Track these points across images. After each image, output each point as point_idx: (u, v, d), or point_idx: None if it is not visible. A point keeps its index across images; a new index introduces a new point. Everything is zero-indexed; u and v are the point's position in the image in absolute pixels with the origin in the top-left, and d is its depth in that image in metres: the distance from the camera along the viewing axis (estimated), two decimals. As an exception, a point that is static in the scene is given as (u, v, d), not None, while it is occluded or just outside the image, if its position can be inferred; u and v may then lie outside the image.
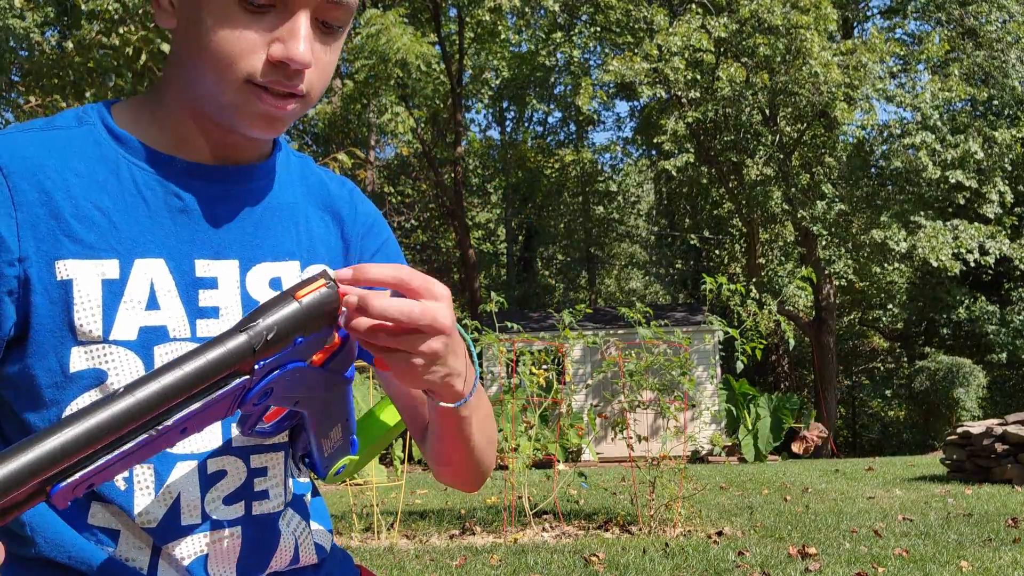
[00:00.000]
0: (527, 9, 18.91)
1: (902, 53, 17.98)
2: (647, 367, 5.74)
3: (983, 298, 20.60)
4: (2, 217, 0.87)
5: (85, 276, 0.91)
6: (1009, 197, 17.14)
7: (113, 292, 0.91)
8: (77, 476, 0.67)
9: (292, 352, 0.79)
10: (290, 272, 1.03)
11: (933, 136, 16.53)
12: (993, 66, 17.32)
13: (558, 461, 6.70)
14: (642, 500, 5.62)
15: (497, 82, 24.74)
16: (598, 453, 13.72)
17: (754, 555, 4.26)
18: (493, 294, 5.97)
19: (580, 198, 27.21)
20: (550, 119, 27.61)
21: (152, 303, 0.94)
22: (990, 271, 21.57)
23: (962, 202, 17.38)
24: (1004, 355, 19.50)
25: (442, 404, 0.94)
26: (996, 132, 16.79)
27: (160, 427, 0.72)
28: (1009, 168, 17.29)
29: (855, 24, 20.91)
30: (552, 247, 29.99)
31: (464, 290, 22.08)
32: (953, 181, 16.52)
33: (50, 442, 0.66)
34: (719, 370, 16.51)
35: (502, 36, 20.72)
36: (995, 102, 17.89)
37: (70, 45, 7.49)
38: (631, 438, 5.54)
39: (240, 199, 1.01)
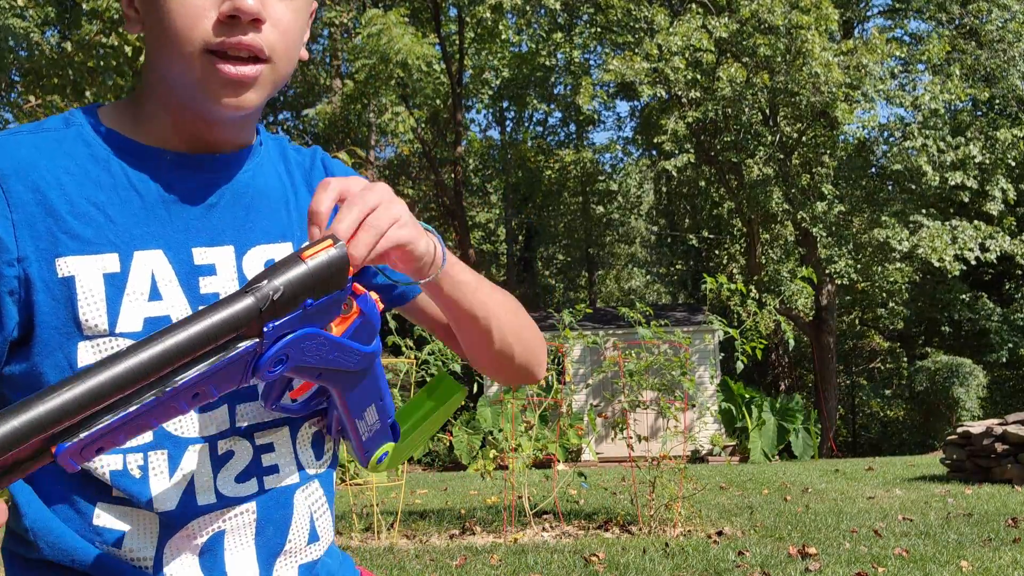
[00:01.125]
0: (527, 8, 18.90)
1: (902, 54, 17.97)
2: (647, 367, 5.75)
3: (984, 297, 20.61)
4: None
5: (86, 271, 0.91)
6: (1012, 195, 17.13)
7: (115, 285, 0.92)
8: (84, 435, 0.67)
9: (303, 316, 0.78)
10: (284, 253, 1.04)
11: (933, 137, 16.52)
12: (994, 64, 17.31)
13: (558, 461, 6.70)
14: (642, 500, 5.62)
15: (497, 82, 24.74)
16: (598, 453, 13.72)
17: (754, 555, 4.26)
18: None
19: (580, 198, 27.20)
20: (550, 119, 27.61)
21: (154, 293, 0.95)
22: (991, 270, 21.57)
23: (965, 200, 17.38)
24: (1005, 354, 19.49)
25: (421, 282, 0.97)
26: (998, 132, 16.77)
27: (168, 389, 0.71)
28: (1013, 165, 17.27)
29: (856, 24, 20.90)
30: (552, 247, 29.99)
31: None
32: (954, 183, 16.52)
33: (54, 398, 0.65)
34: (718, 369, 16.51)
35: (502, 36, 20.72)
36: (997, 100, 17.89)
37: (69, 46, 7.49)
38: (631, 438, 5.54)
39: (229, 186, 1.03)
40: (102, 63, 7.17)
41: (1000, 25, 17.43)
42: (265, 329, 0.75)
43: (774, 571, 3.86)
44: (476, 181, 27.65)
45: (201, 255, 0.99)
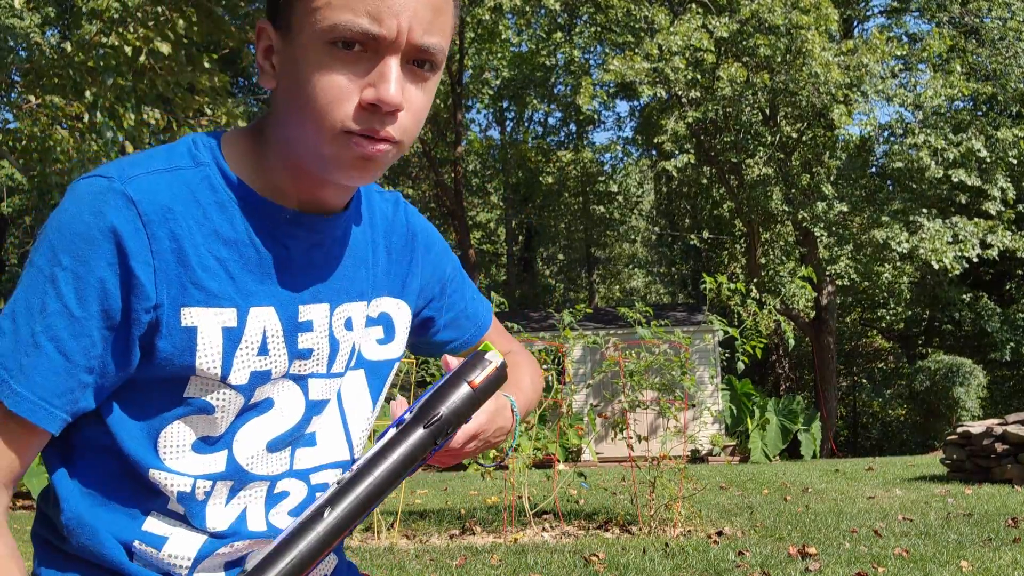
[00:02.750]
0: (527, 8, 18.90)
1: (903, 53, 17.97)
2: (647, 367, 5.74)
3: (985, 297, 20.60)
4: (142, 265, 0.93)
5: (207, 324, 0.97)
6: (1011, 194, 17.12)
7: (232, 339, 0.98)
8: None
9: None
10: (359, 311, 1.12)
11: (935, 135, 16.51)
12: (996, 62, 17.31)
13: (558, 461, 6.70)
14: (642, 500, 5.62)
15: (497, 82, 24.72)
16: (598, 453, 13.71)
17: (754, 555, 4.26)
18: (494, 295, 5.97)
19: (580, 198, 27.20)
20: (550, 119, 27.60)
21: (263, 349, 1.01)
22: (991, 270, 21.57)
23: (964, 201, 17.37)
24: (1007, 353, 19.49)
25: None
26: (998, 131, 16.77)
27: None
28: (1014, 163, 17.26)
29: (856, 23, 20.90)
30: (552, 247, 29.98)
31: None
32: (955, 180, 16.50)
33: (287, 562, 0.86)
34: (719, 370, 16.51)
35: (502, 36, 20.71)
36: (999, 98, 17.88)
37: (69, 46, 7.49)
38: (631, 438, 5.54)
39: (331, 246, 1.08)
40: (102, 63, 7.17)
41: (1001, 24, 17.43)
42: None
43: (774, 571, 3.86)
44: (476, 181, 27.64)
45: (304, 312, 1.05)
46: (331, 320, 1.07)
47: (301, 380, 1.05)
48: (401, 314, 1.18)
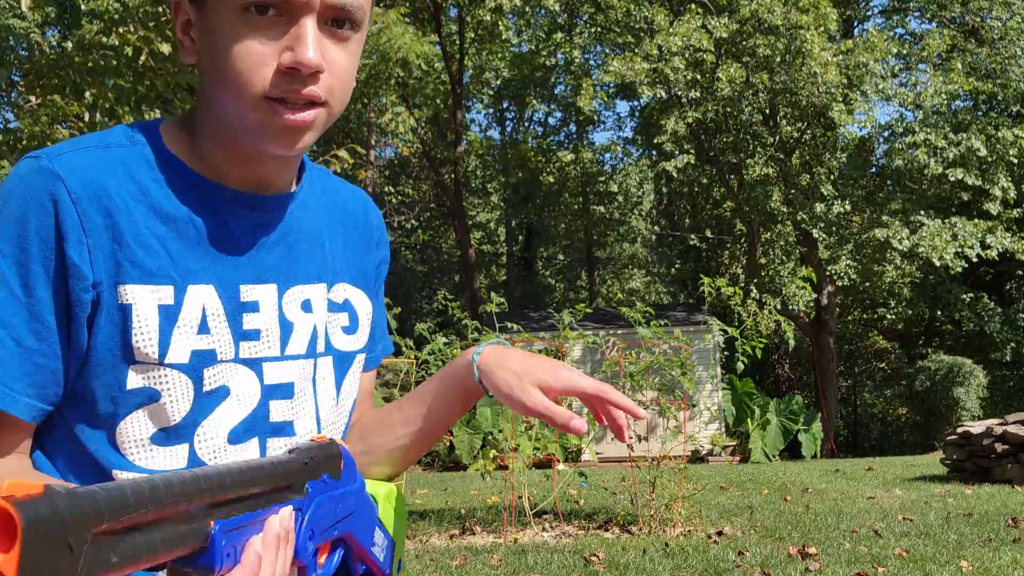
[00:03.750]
0: (527, 9, 18.90)
1: (903, 52, 17.97)
2: (647, 367, 5.74)
3: (985, 297, 20.60)
4: (75, 245, 0.91)
5: (144, 301, 0.94)
6: (1012, 193, 17.12)
7: (168, 317, 0.95)
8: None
9: (320, 485, 0.87)
10: (318, 294, 1.09)
11: (935, 134, 16.50)
12: (996, 62, 17.31)
13: (558, 461, 6.70)
14: (642, 500, 5.62)
15: (497, 82, 24.72)
16: (598, 453, 13.71)
17: (754, 555, 4.26)
18: (494, 295, 5.97)
19: (580, 198, 27.20)
20: (550, 119, 27.60)
21: (203, 327, 0.98)
22: (991, 270, 21.56)
23: (965, 199, 17.37)
24: (1007, 353, 19.48)
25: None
26: (999, 131, 16.76)
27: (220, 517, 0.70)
28: (1015, 162, 17.25)
29: (856, 23, 20.89)
30: (552, 247, 29.98)
31: (464, 290, 22.08)
32: (954, 179, 16.50)
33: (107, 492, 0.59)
34: (719, 370, 16.50)
35: (502, 36, 20.71)
36: (999, 97, 17.88)
37: (70, 46, 7.49)
38: (631, 438, 5.54)
39: (277, 226, 1.06)
40: (102, 63, 7.17)
41: (1001, 24, 17.43)
42: (307, 490, 0.84)
43: (774, 571, 3.86)
44: (476, 181, 27.64)
45: (247, 292, 1.02)
46: (281, 301, 1.05)
47: (255, 364, 1.02)
48: (363, 305, 1.16)
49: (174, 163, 0.98)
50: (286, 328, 1.05)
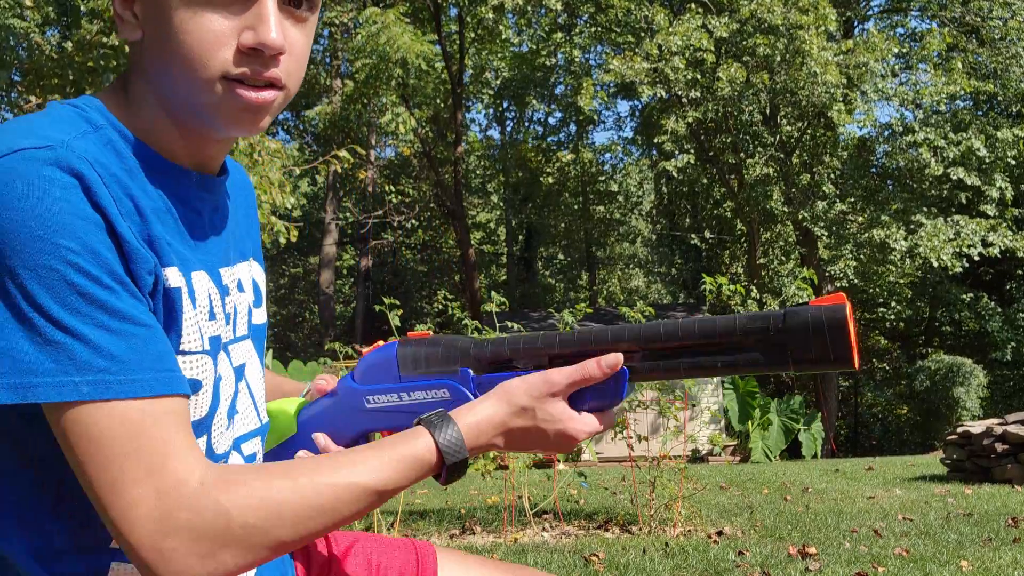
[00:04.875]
0: (528, 8, 18.89)
1: (903, 51, 17.96)
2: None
3: (985, 297, 20.59)
4: (124, 229, 0.84)
5: (183, 285, 0.91)
6: (1010, 194, 17.11)
7: (189, 302, 0.92)
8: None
9: None
10: (245, 272, 1.09)
11: (935, 134, 16.50)
12: (996, 62, 17.30)
13: (558, 461, 6.70)
14: (642, 500, 5.62)
15: (497, 82, 24.70)
16: (598, 453, 13.71)
17: (754, 555, 4.26)
18: (494, 294, 5.97)
19: (580, 198, 27.19)
20: (550, 119, 27.58)
21: (211, 314, 0.96)
22: (991, 270, 21.55)
23: (964, 201, 17.36)
24: (1008, 353, 19.46)
25: None
26: (998, 132, 16.76)
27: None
28: (1013, 163, 17.25)
29: (856, 23, 20.89)
30: (552, 247, 29.96)
31: (464, 290, 22.08)
32: (955, 178, 16.49)
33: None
34: (719, 369, 16.49)
35: (503, 36, 20.70)
36: (999, 97, 17.87)
37: (70, 46, 7.49)
38: (631, 438, 5.54)
39: (224, 207, 1.04)
40: (102, 63, 7.16)
41: (1001, 24, 17.42)
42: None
43: (774, 571, 3.86)
44: (476, 181, 27.63)
45: (225, 275, 1.01)
46: (240, 280, 1.05)
47: (226, 347, 1.00)
48: (262, 277, 1.14)
49: (139, 146, 0.92)
50: (237, 309, 1.04)
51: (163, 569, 0.79)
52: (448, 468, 0.93)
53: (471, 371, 1.03)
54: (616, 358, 0.98)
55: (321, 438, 1.07)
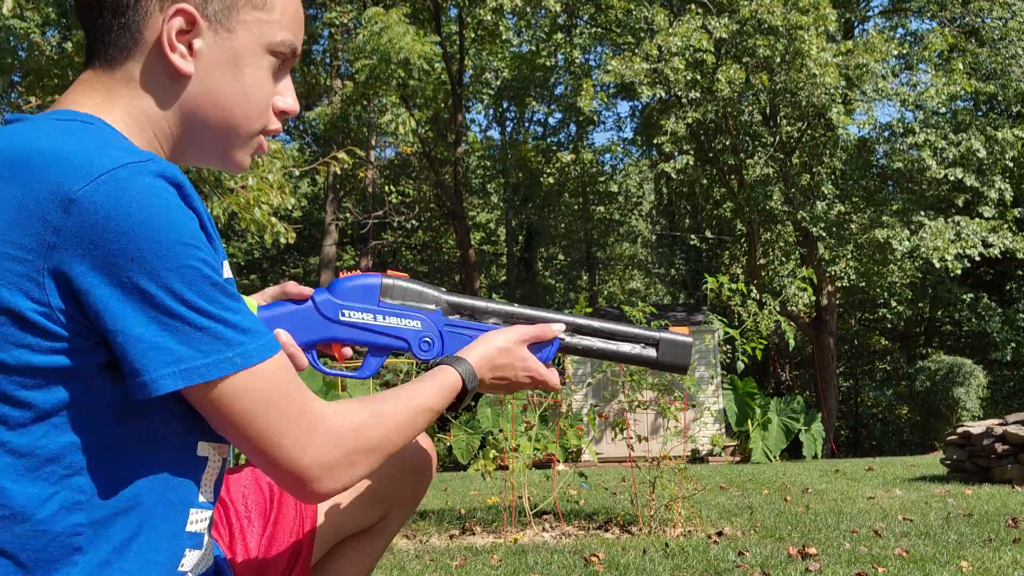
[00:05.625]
0: (528, 9, 18.89)
1: (903, 52, 17.95)
2: (647, 367, 5.73)
3: (986, 297, 20.58)
4: (210, 228, 0.97)
5: (230, 276, 1.05)
6: (1009, 195, 17.11)
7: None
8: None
9: None
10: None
11: (936, 134, 16.49)
12: (997, 62, 17.29)
13: (558, 461, 6.70)
14: (642, 500, 5.62)
15: (497, 83, 24.69)
16: (598, 453, 13.71)
17: (754, 555, 4.26)
18: (495, 296, 5.97)
19: (580, 199, 27.18)
20: (550, 120, 27.57)
21: None
22: (992, 271, 21.54)
23: (961, 204, 17.36)
24: (1008, 353, 19.46)
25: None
26: (998, 132, 16.75)
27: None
28: (1011, 165, 17.24)
29: (856, 24, 20.88)
30: (552, 247, 29.96)
31: (464, 290, 22.06)
32: (954, 179, 16.48)
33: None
34: (719, 369, 16.50)
35: (503, 36, 20.68)
36: (999, 97, 17.87)
37: (70, 46, 7.50)
38: (631, 438, 5.54)
39: None
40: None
41: (1002, 24, 17.41)
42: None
43: (774, 571, 3.86)
44: (476, 182, 27.62)
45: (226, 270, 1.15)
46: None
47: None
48: None
49: (187, 188, 1.04)
50: None
51: (329, 482, 1.00)
52: (467, 393, 1.22)
53: (442, 312, 1.27)
54: (560, 326, 1.33)
55: (283, 334, 1.22)
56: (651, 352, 1.33)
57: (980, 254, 16.51)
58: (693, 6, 17.30)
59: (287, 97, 1.08)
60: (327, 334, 1.23)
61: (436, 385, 1.17)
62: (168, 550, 0.98)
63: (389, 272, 1.26)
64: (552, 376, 1.32)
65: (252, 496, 1.35)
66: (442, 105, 21.90)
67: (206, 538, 1.06)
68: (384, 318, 1.24)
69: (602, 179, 26.25)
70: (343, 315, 1.22)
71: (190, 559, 1.02)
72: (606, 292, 30.23)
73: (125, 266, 0.87)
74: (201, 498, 1.03)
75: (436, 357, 1.27)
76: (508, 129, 28.49)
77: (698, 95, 16.76)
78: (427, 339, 1.26)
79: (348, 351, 1.29)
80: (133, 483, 0.95)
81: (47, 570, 0.89)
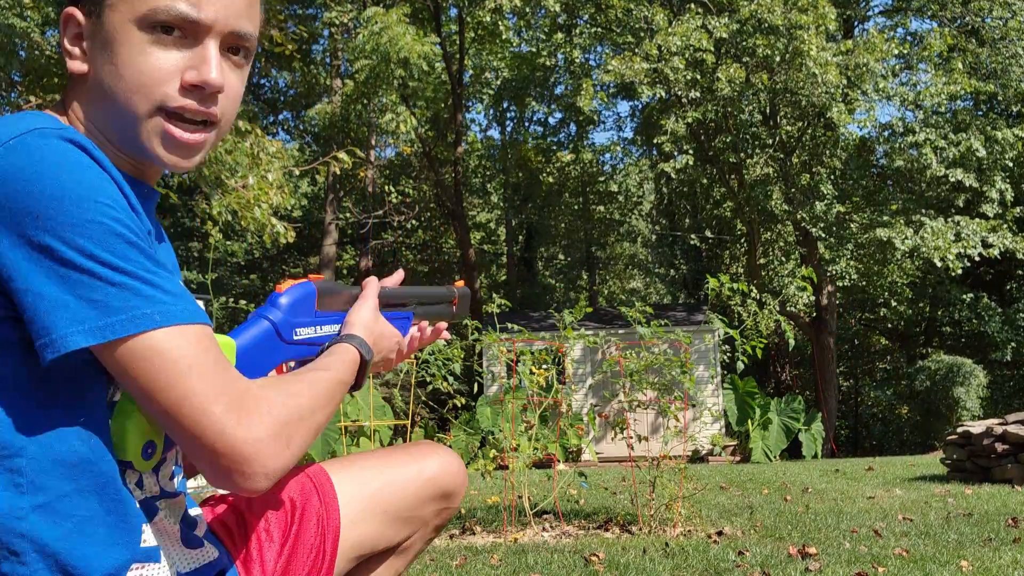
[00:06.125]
0: (527, 9, 18.88)
1: (903, 52, 17.94)
2: (647, 366, 5.74)
3: (985, 297, 20.58)
4: (129, 195, 0.92)
5: None
6: (1009, 195, 17.10)
7: None
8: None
9: None
10: None
11: (936, 134, 16.49)
12: (997, 62, 17.29)
13: (558, 461, 6.70)
14: (642, 500, 5.62)
15: (497, 82, 24.68)
16: (598, 453, 13.71)
17: (754, 555, 4.26)
18: (495, 296, 5.99)
19: (580, 198, 27.18)
20: (550, 120, 27.56)
21: None
22: (992, 270, 21.54)
23: (962, 204, 17.36)
24: (1008, 353, 19.45)
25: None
26: (998, 132, 16.74)
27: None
28: (1011, 165, 17.23)
29: (856, 23, 20.87)
30: (552, 247, 29.95)
31: (464, 290, 22.02)
32: (954, 179, 16.48)
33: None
34: (719, 369, 16.50)
35: (503, 36, 20.67)
36: (999, 97, 17.86)
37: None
38: (631, 438, 5.54)
39: (158, 224, 1.12)
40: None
41: (1002, 24, 17.41)
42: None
43: (774, 571, 3.86)
44: (476, 181, 27.61)
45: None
46: None
47: None
48: None
49: (105, 163, 0.97)
50: None
51: (259, 461, 0.91)
52: (366, 364, 1.21)
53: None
54: (374, 283, 1.36)
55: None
56: (451, 304, 1.51)
57: (980, 254, 16.51)
58: (693, 6, 17.30)
59: (196, 69, 0.99)
60: (284, 356, 1.20)
61: (339, 360, 1.15)
62: (119, 526, 0.94)
63: (311, 277, 1.24)
64: (405, 342, 1.41)
65: (272, 508, 1.28)
66: (442, 105, 21.89)
67: (171, 522, 1.03)
68: (322, 328, 1.23)
69: (602, 179, 26.25)
70: (296, 335, 1.19)
71: (150, 535, 0.99)
72: (606, 292, 30.23)
73: (30, 224, 0.84)
74: (146, 476, 1.00)
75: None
76: (508, 129, 28.48)
77: (698, 95, 16.75)
78: None
79: (291, 366, 1.25)
80: (67, 458, 0.90)
81: None
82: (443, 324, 1.49)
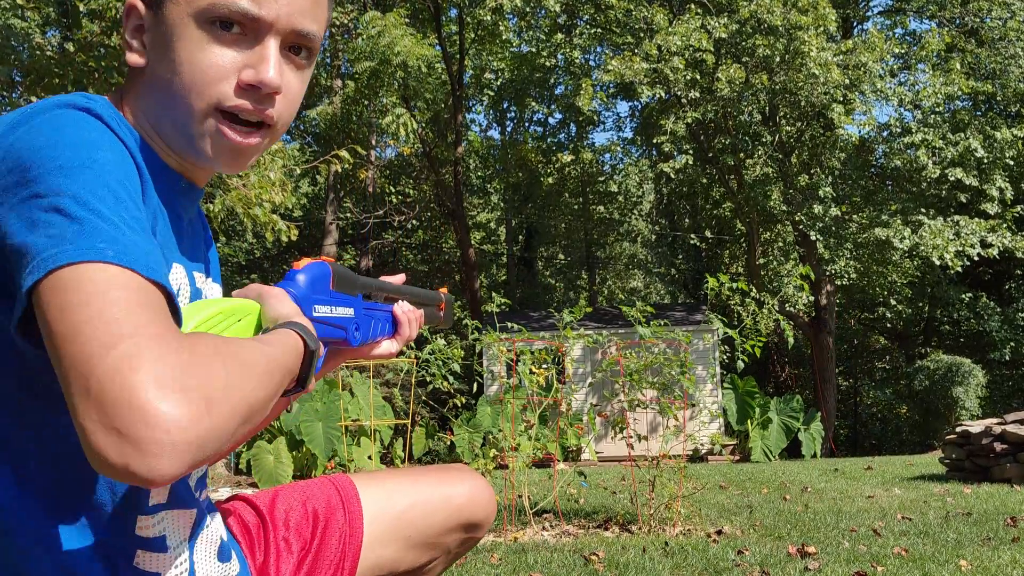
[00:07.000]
0: (527, 10, 18.89)
1: (902, 52, 17.96)
2: (647, 366, 5.75)
3: (984, 297, 20.59)
4: (143, 170, 0.90)
5: (173, 277, 0.98)
6: (1009, 194, 17.11)
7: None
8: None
9: None
10: (218, 290, 1.15)
11: (933, 134, 16.50)
12: (996, 62, 17.30)
13: (558, 460, 6.71)
14: (642, 499, 5.63)
15: (498, 83, 24.69)
16: (598, 452, 13.71)
17: (753, 554, 4.27)
18: (495, 295, 5.99)
19: (580, 198, 27.19)
20: (550, 120, 27.57)
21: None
22: (990, 270, 21.55)
23: (963, 200, 17.36)
24: (1007, 353, 19.46)
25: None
26: (997, 132, 16.75)
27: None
28: (1011, 164, 17.24)
29: (855, 23, 20.89)
30: (552, 247, 29.96)
31: (465, 290, 22.07)
32: (953, 179, 16.49)
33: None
34: (718, 368, 16.51)
35: (503, 37, 20.68)
36: (998, 97, 17.87)
37: (71, 46, 7.50)
38: (631, 437, 5.55)
39: (200, 222, 1.11)
40: (103, 63, 7.18)
41: (1001, 24, 17.42)
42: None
43: (773, 570, 3.87)
44: (476, 181, 27.62)
45: (199, 280, 1.07)
46: (210, 292, 1.10)
47: None
48: None
49: (143, 143, 0.97)
50: None
51: (176, 432, 0.70)
52: (312, 356, 0.97)
53: (362, 296, 1.25)
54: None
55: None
56: (438, 307, 1.52)
57: (979, 254, 16.52)
58: (693, 6, 17.31)
59: (253, 68, 0.94)
60: None
61: (280, 344, 0.91)
62: (111, 526, 0.91)
63: (323, 258, 1.17)
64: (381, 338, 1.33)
65: (295, 518, 1.23)
66: (442, 105, 21.90)
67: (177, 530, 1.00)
68: (336, 308, 1.14)
69: (602, 179, 26.26)
70: (315, 311, 1.11)
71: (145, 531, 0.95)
72: (606, 292, 30.24)
73: (24, 181, 0.79)
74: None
75: (363, 342, 1.21)
76: (508, 129, 28.48)
77: (698, 95, 16.76)
78: (357, 325, 1.19)
79: None
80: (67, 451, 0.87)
81: None
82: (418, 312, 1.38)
